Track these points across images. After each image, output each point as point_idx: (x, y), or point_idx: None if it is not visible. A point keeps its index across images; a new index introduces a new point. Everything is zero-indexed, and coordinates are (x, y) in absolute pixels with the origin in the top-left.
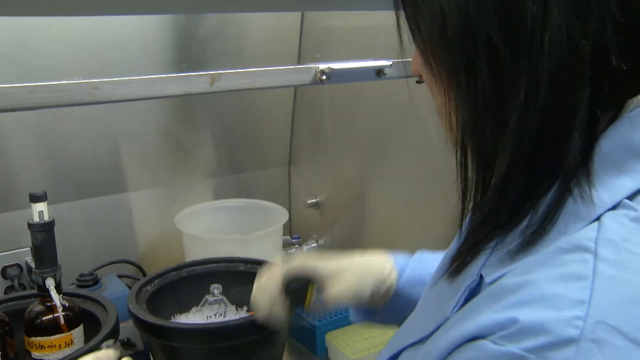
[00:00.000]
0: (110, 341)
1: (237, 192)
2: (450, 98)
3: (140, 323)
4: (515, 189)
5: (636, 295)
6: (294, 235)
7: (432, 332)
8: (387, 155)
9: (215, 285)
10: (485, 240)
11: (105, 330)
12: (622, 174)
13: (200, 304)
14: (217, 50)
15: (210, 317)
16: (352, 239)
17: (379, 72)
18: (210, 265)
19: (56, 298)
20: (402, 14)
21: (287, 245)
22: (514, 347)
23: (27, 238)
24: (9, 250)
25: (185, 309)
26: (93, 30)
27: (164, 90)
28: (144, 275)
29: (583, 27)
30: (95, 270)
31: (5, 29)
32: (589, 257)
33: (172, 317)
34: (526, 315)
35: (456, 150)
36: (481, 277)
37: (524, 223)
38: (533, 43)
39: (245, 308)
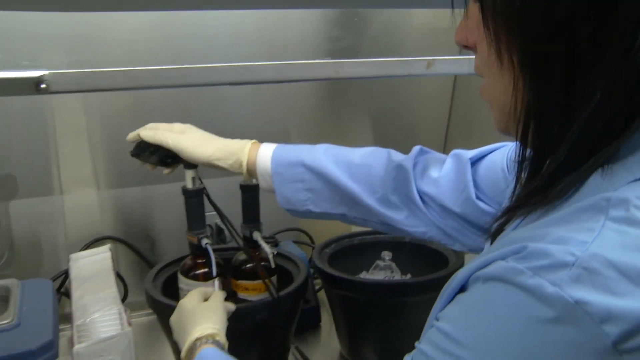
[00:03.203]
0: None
1: None
2: (518, 83)
3: (323, 275)
4: (565, 171)
5: (635, 242)
6: None
7: None
8: None
9: (387, 252)
10: (520, 205)
11: (297, 282)
12: None
13: (372, 268)
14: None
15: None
16: None
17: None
18: (379, 235)
19: (265, 246)
20: None
21: None
22: (518, 264)
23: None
24: None
25: (355, 272)
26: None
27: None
28: (312, 242)
29: None
30: (274, 235)
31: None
32: (601, 215)
33: None
34: (535, 244)
35: (515, 132)
36: None
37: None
38: (621, 39)
39: (409, 275)
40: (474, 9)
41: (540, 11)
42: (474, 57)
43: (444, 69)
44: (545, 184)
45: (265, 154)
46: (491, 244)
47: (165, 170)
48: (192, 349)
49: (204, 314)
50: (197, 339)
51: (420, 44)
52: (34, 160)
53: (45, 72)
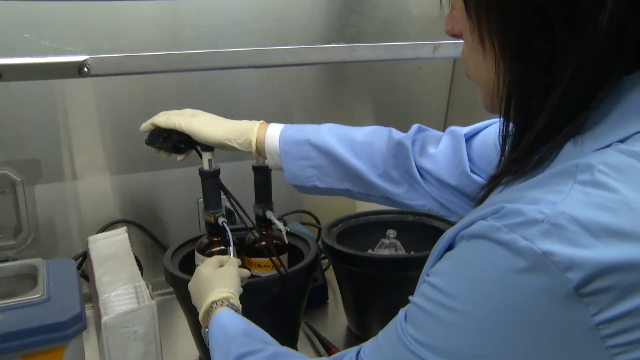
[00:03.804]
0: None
1: None
2: (500, 65)
3: (332, 252)
4: (543, 141)
5: (598, 201)
6: None
7: None
8: None
9: (391, 230)
10: (503, 174)
11: (308, 258)
12: (617, 128)
13: (377, 246)
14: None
15: None
16: None
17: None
18: (384, 215)
19: (278, 223)
20: None
21: None
22: (495, 222)
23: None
24: None
25: (362, 250)
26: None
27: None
28: (318, 223)
29: (637, 9)
30: (282, 216)
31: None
32: (570, 179)
33: None
34: (511, 205)
35: (499, 109)
36: None
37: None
38: (589, 20)
39: (412, 252)
40: (459, 0)
41: (519, 5)
42: None
43: (449, 53)
44: (524, 153)
45: (273, 133)
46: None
47: (179, 157)
48: (209, 311)
49: (219, 279)
50: (213, 302)
51: (425, 30)
52: (49, 147)
53: (87, 56)
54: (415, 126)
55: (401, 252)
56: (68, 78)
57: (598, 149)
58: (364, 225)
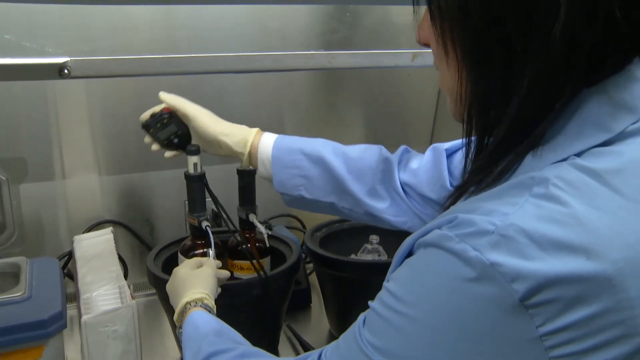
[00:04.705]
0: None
1: None
2: (462, 73)
3: (314, 256)
4: (503, 151)
5: (548, 214)
6: None
7: None
8: None
9: (374, 236)
10: (468, 184)
11: (290, 261)
12: (574, 141)
13: (360, 251)
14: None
15: None
16: None
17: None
18: None
19: (260, 226)
20: None
21: None
22: (448, 232)
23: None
24: None
25: (345, 255)
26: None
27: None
28: (304, 227)
29: (589, 23)
30: (268, 220)
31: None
32: (526, 192)
33: None
34: (464, 215)
35: (463, 117)
36: None
37: (494, 173)
38: (543, 33)
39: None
40: (427, 10)
41: (476, 9)
42: None
43: (427, 61)
44: (486, 162)
45: (267, 140)
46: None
47: (167, 153)
48: (183, 312)
49: (195, 279)
50: (187, 302)
51: (409, 38)
52: (38, 146)
53: (68, 58)
54: (402, 147)
55: (384, 257)
56: (48, 79)
57: (555, 162)
58: (348, 230)
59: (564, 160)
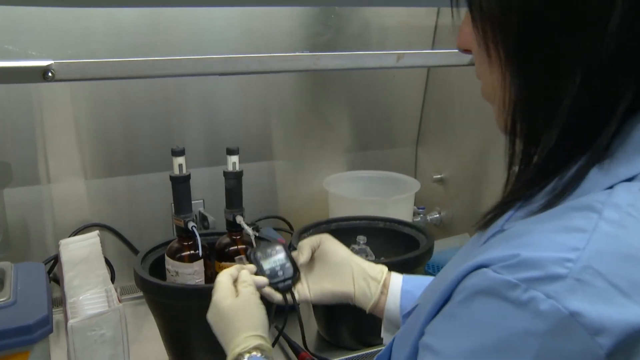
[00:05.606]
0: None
1: (367, 168)
2: (506, 76)
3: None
4: (554, 162)
5: (626, 251)
6: (420, 206)
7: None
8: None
9: (361, 236)
10: (515, 199)
11: None
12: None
13: None
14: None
15: None
16: (472, 212)
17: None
18: (354, 221)
19: (247, 228)
20: None
21: (414, 214)
22: (510, 276)
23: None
24: None
25: None
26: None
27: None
28: (292, 229)
29: None
30: (255, 222)
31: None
32: (594, 215)
33: None
34: (527, 252)
35: (506, 126)
36: (504, 229)
37: (549, 187)
38: (595, 30)
39: (382, 258)
40: (467, 15)
41: (518, 4)
42: (441, 51)
43: (412, 62)
44: (537, 175)
45: (396, 277)
46: (480, 231)
47: (262, 291)
48: None
49: (242, 315)
50: (240, 355)
51: (395, 40)
52: (24, 150)
53: (52, 62)
54: None
55: (371, 257)
56: (32, 82)
57: (624, 180)
58: (335, 231)
59: (635, 177)
